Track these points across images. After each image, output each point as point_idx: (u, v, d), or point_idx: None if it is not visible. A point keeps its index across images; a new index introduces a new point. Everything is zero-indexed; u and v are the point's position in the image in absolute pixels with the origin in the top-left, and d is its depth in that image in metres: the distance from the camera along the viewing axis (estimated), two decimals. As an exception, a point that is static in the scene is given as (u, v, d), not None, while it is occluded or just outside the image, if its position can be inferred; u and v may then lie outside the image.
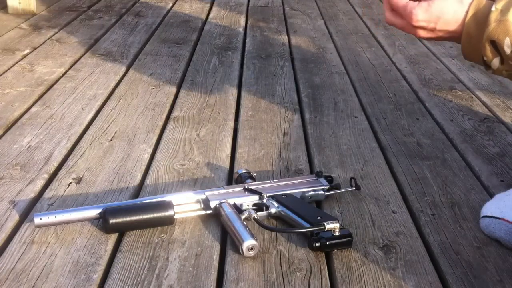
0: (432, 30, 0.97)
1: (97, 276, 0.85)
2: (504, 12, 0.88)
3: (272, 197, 1.02)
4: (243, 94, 1.63)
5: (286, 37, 2.25)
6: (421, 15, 0.96)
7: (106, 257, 0.90)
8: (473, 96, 1.68)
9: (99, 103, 1.51)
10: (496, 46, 0.89)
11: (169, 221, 0.97)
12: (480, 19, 0.91)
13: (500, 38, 0.88)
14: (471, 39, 0.92)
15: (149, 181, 1.13)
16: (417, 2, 0.97)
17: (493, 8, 0.89)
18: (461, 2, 0.93)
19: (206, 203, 1.01)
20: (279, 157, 1.25)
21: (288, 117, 1.47)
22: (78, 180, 1.12)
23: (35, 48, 1.95)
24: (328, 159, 1.26)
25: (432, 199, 1.11)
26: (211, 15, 2.54)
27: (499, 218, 0.97)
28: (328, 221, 0.93)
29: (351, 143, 1.34)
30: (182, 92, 1.62)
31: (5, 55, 1.86)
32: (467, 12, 0.93)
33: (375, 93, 1.69)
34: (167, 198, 1.00)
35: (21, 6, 2.41)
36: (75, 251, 0.91)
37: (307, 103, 1.58)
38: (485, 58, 0.92)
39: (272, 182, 1.08)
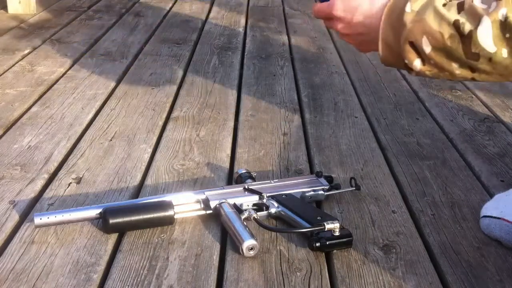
0: (349, 22, 0.97)
1: (97, 276, 0.85)
2: (421, 13, 0.86)
3: (272, 197, 1.02)
4: (243, 94, 1.63)
5: (286, 37, 2.25)
6: (339, 4, 0.96)
7: (106, 257, 0.90)
8: (473, 96, 1.68)
9: (99, 103, 1.51)
10: (416, 47, 0.88)
11: (169, 221, 0.97)
12: (395, 21, 0.89)
13: (417, 38, 0.86)
14: (389, 45, 0.91)
15: (149, 181, 1.13)
16: None
17: (408, 9, 0.87)
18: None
19: (206, 203, 1.01)
20: (279, 157, 1.25)
21: (288, 117, 1.47)
22: (78, 180, 1.12)
23: (35, 48, 1.95)
24: (328, 159, 1.26)
25: (432, 199, 1.11)
26: (211, 15, 2.54)
27: (499, 218, 0.97)
28: (328, 221, 0.93)
29: (351, 143, 1.34)
30: (182, 92, 1.62)
31: (5, 55, 1.86)
32: (384, 8, 0.91)
33: (375, 93, 1.69)
34: (167, 198, 1.00)
35: (21, 6, 2.41)
36: (75, 251, 0.90)
37: (307, 103, 1.58)
38: (406, 61, 0.90)
39: (272, 182, 1.08)
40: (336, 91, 1.68)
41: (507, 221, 0.96)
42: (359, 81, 1.78)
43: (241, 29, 2.34)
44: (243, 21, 2.47)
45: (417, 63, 0.89)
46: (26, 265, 0.87)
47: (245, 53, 2.02)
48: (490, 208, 1.01)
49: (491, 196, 1.11)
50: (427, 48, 0.86)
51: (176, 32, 2.24)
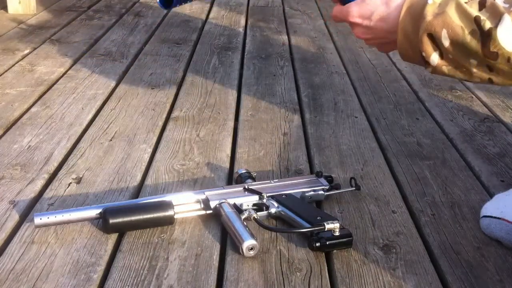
0: (367, 27, 0.96)
1: (97, 276, 0.85)
2: (442, 6, 0.86)
3: (272, 197, 1.02)
4: (243, 94, 1.63)
5: (286, 37, 2.25)
6: (355, 11, 0.95)
7: (106, 257, 0.90)
8: (473, 96, 1.68)
9: (99, 103, 1.51)
10: (435, 40, 0.87)
11: (169, 221, 0.97)
12: (415, 13, 0.89)
13: (437, 31, 0.86)
14: (408, 35, 0.90)
15: (149, 181, 1.13)
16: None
17: (430, 1, 0.87)
18: None
19: (206, 203, 1.01)
20: (279, 157, 1.25)
21: (288, 117, 1.47)
22: (78, 180, 1.12)
23: (35, 48, 1.95)
24: (328, 159, 1.26)
25: (432, 199, 1.11)
26: (211, 15, 2.54)
27: (499, 218, 0.97)
28: (328, 221, 0.93)
29: (351, 143, 1.34)
30: (182, 92, 1.62)
31: (5, 55, 1.86)
32: (401, 7, 0.91)
33: (375, 93, 1.69)
34: (167, 198, 1.00)
35: (21, 6, 2.41)
36: (75, 251, 0.91)
37: (307, 103, 1.58)
38: (423, 54, 0.89)
39: (272, 182, 1.08)
40: (336, 91, 1.68)
41: (507, 221, 0.96)
42: (359, 81, 1.78)
43: (241, 29, 2.34)
44: (243, 21, 2.47)
45: (434, 57, 0.88)
46: (26, 265, 0.87)
47: (245, 53, 2.02)
48: (490, 208, 1.01)
49: (491, 196, 1.11)
50: (445, 41, 0.85)
51: (176, 32, 2.24)
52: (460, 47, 0.85)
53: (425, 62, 0.91)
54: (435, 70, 0.91)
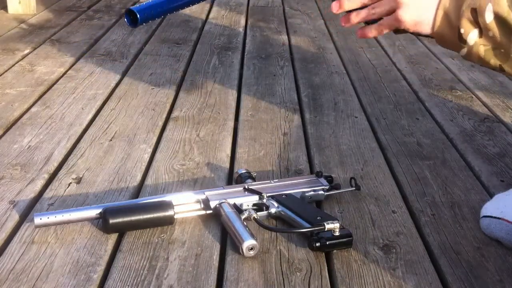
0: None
1: (97, 276, 0.85)
2: None
3: (272, 197, 1.02)
4: (243, 94, 1.63)
5: (286, 37, 2.25)
6: None
7: (106, 257, 0.90)
8: (473, 96, 1.68)
9: (99, 103, 1.51)
10: (476, 16, 0.86)
11: (169, 221, 0.97)
12: None
13: (481, 5, 0.85)
14: (448, 12, 0.89)
15: (149, 181, 1.13)
16: None
17: None
18: None
19: (206, 203, 1.01)
20: (279, 157, 1.25)
21: (288, 117, 1.47)
22: (78, 180, 1.12)
23: (35, 48, 1.95)
24: (328, 159, 1.26)
25: (432, 199, 1.11)
26: (211, 15, 2.54)
27: (499, 218, 0.97)
28: (328, 221, 0.93)
29: (351, 143, 1.34)
30: (182, 92, 1.62)
31: (5, 55, 1.86)
32: None
33: (375, 93, 1.69)
34: (167, 198, 1.00)
35: (21, 6, 2.41)
36: (75, 251, 0.90)
37: (307, 103, 1.58)
38: (461, 31, 0.88)
39: (272, 182, 1.08)
40: (336, 91, 1.68)
41: (507, 221, 0.96)
42: (359, 81, 1.78)
43: (241, 29, 2.34)
44: (243, 21, 2.47)
45: (473, 35, 0.87)
46: (26, 265, 0.87)
47: (245, 53, 2.02)
48: (490, 208, 1.01)
49: (491, 196, 1.11)
50: (489, 16, 0.84)
51: (176, 32, 2.24)
52: (503, 23, 0.84)
53: (461, 42, 0.89)
54: (471, 52, 0.89)
